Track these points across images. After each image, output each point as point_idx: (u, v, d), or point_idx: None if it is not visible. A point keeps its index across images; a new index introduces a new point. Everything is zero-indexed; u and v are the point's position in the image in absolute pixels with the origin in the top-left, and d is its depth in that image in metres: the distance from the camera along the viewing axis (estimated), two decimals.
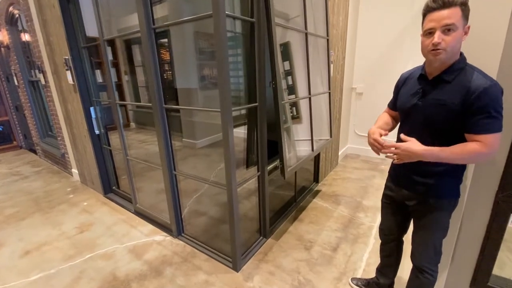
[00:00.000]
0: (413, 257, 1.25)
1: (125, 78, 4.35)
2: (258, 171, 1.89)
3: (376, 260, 1.53)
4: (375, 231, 2.16)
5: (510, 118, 1.06)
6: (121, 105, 3.19)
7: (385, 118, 1.30)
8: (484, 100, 0.90)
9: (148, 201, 2.47)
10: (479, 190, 1.21)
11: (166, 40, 3.40)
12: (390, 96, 1.30)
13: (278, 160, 1.87)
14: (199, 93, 3.60)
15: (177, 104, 3.33)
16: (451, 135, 1.00)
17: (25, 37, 3.36)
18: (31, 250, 2.07)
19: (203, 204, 2.52)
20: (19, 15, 3.28)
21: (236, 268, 1.77)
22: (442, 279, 1.37)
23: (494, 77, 1.05)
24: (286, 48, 2.16)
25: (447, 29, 0.90)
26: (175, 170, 1.97)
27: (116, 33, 2.39)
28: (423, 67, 1.08)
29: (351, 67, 3.59)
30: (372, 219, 2.33)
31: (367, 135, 1.19)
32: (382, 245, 1.46)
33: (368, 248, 1.97)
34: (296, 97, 2.22)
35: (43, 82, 3.14)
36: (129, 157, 2.35)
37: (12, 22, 3.56)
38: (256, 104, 1.72)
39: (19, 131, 4.77)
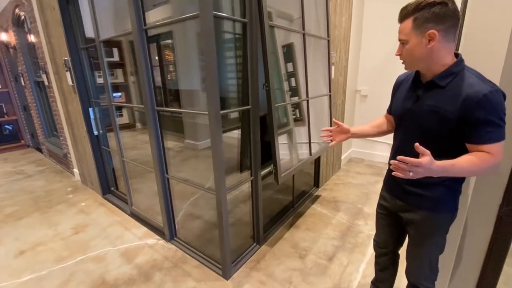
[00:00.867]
0: (408, 274, 1.17)
1: (131, 79, 4.37)
2: (251, 176, 1.84)
3: (373, 272, 1.45)
4: None
5: None
6: (123, 107, 3.21)
7: (377, 121, 1.26)
8: (486, 107, 0.82)
9: (144, 203, 2.44)
10: (480, 203, 1.12)
11: (170, 41, 3.40)
12: None
13: (272, 165, 1.81)
14: (201, 95, 3.56)
15: (180, 106, 3.32)
16: (449, 145, 0.92)
17: (31, 38, 3.42)
18: (26, 250, 2.08)
19: (199, 207, 2.47)
20: (24, 16, 3.33)
21: (226, 276, 1.71)
22: None
23: (497, 80, 0.96)
24: (289, 49, 2.10)
25: (402, 42, 0.94)
26: (167, 173, 1.94)
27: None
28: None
29: (355, 69, 3.49)
30: (371, 227, 2.24)
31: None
32: (376, 258, 1.38)
33: (365, 258, 1.88)
34: (299, 99, 2.15)
35: (46, 82, 3.18)
36: (125, 159, 2.34)
37: (18, 24, 3.63)
38: (249, 107, 1.67)
39: (27, 130, 4.87)
